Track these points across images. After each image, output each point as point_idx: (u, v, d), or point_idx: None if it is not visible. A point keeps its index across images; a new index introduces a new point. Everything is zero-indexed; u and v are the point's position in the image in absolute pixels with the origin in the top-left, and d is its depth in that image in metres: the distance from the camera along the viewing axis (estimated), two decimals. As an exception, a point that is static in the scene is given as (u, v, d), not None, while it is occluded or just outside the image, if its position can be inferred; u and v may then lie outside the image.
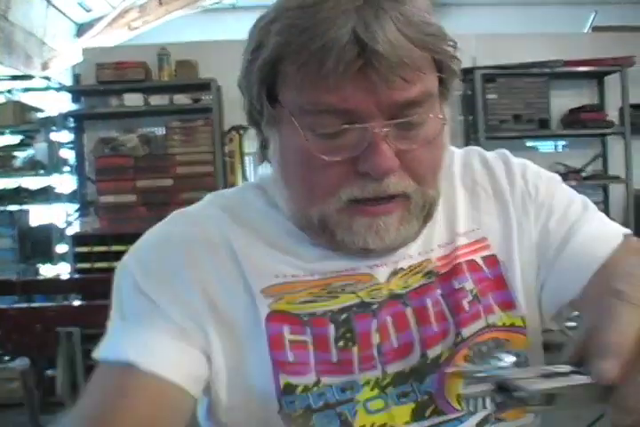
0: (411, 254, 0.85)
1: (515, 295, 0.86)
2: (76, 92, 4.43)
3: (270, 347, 0.79)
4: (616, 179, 4.47)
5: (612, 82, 4.47)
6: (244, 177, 4.29)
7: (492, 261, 0.87)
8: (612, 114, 4.48)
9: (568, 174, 4.33)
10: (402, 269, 0.84)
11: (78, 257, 4.09)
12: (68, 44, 5.45)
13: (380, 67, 0.69)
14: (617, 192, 4.57)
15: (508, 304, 0.85)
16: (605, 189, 4.63)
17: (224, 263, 0.82)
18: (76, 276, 3.93)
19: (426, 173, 0.77)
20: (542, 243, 0.88)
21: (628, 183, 4.41)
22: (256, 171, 4.17)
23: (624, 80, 4.32)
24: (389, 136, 0.72)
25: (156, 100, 4.19)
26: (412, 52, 0.70)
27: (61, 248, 4.27)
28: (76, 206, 4.38)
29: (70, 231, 4.27)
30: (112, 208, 4.19)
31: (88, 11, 5.57)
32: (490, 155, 0.93)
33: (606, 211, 4.44)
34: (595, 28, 4.99)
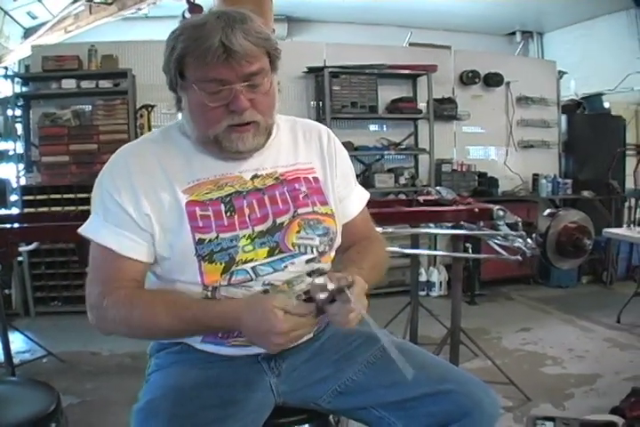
0: (265, 167, 1.16)
1: (327, 199, 1.18)
2: (26, 78, 4.69)
3: (189, 219, 1.08)
4: (423, 151, 5.25)
5: (422, 82, 5.27)
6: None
7: (316, 179, 1.20)
8: (422, 104, 5.28)
9: (389, 146, 5.20)
10: (260, 175, 1.15)
11: (25, 204, 4.42)
12: (17, 43, 5.71)
13: (235, 56, 1.00)
14: (424, 160, 5.35)
15: (324, 202, 1.17)
16: (416, 158, 5.42)
17: (156, 174, 1.08)
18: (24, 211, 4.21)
19: (264, 110, 1.08)
20: (339, 182, 1.24)
21: (430, 154, 5.20)
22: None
23: (430, 81, 5.16)
24: (243, 91, 1.04)
25: (86, 85, 4.53)
26: (250, 48, 1.01)
27: (13, 197, 4.56)
28: (24, 165, 4.64)
29: (19, 184, 4.54)
30: (50, 166, 4.53)
31: (34, 18, 5.83)
32: (323, 127, 1.28)
33: (416, 172, 5.38)
34: (411, 44, 5.68)
